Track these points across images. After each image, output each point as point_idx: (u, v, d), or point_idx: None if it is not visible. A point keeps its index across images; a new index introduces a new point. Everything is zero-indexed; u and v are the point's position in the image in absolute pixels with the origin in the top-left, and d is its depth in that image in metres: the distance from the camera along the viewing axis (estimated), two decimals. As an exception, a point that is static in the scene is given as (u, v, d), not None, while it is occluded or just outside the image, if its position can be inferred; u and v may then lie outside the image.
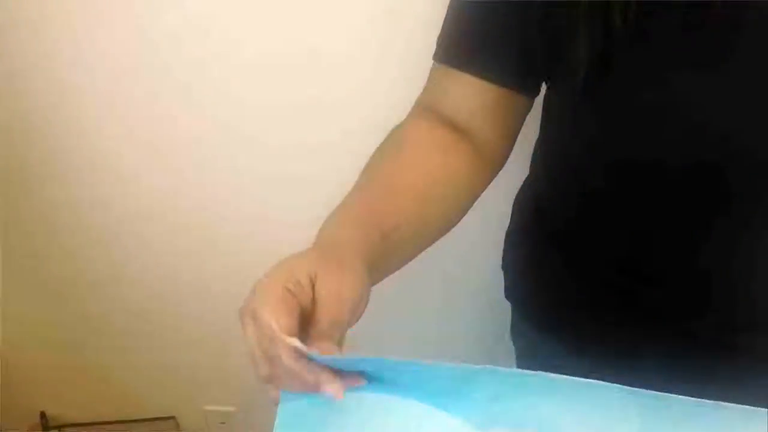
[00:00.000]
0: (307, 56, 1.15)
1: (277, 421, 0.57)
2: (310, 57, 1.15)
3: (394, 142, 0.74)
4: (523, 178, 0.93)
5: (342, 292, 0.55)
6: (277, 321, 0.52)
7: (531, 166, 0.90)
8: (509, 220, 0.95)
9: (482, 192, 0.78)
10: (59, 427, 1.67)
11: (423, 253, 0.73)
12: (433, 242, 0.74)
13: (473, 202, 0.77)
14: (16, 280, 1.52)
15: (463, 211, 0.75)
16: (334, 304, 0.55)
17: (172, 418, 1.68)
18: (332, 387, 0.53)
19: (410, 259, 0.71)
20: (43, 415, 1.68)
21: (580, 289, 0.83)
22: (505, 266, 0.96)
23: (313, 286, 0.55)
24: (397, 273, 0.70)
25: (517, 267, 0.94)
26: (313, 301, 0.54)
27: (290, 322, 0.52)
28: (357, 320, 0.57)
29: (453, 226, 0.75)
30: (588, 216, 0.79)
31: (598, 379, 0.68)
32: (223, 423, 1.65)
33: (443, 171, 0.72)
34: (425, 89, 0.78)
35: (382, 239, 0.64)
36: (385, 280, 0.67)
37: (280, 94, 1.19)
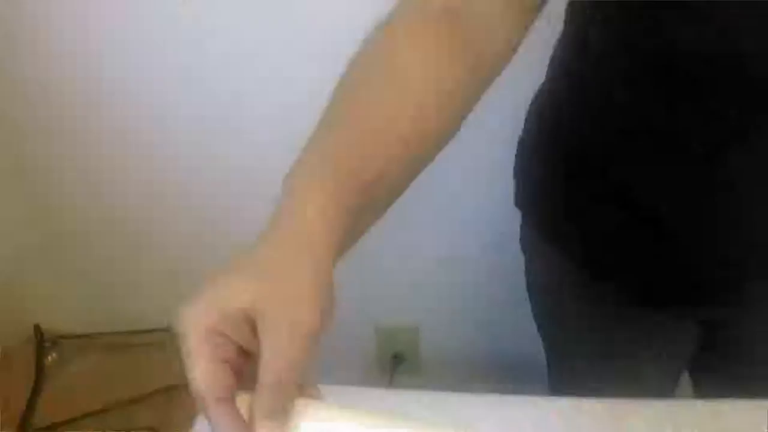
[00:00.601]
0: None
1: None
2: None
3: (378, 58, 0.62)
4: (539, 84, 0.92)
5: (294, 330, 0.45)
6: (211, 383, 0.44)
7: (548, 71, 0.88)
8: (523, 127, 0.94)
9: (483, 94, 0.66)
10: (53, 339, 1.65)
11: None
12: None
13: (471, 110, 0.66)
14: (7, 199, 1.52)
15: (459, 126, 0.65)
16: (283, 353, 0.44)
17: (167, 329, 1.67)
18: None
19: (393, 202, 0.61)
20: (37, 327, 1.66)
21: (590, 201, 0.83)
22: (516, 173, 0.95)
23: (254, 324, 0.45)
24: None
25: (529, 175, 0.93)
26: (257, 340, 0.45)
27: (222, 383, 0.45)
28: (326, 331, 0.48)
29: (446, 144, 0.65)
30: (606, 129, 0.78)
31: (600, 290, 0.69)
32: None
33: (437, 98, 0.61)
34: None
35: (361, 194, 0.53)
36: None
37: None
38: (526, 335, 1.09)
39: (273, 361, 0.44)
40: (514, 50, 0.66)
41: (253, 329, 0.45)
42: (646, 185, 0.76)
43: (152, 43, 1.32)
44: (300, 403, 0.47)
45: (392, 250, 1.47)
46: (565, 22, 0.80)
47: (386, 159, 0.56)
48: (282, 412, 0.44)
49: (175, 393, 1.48)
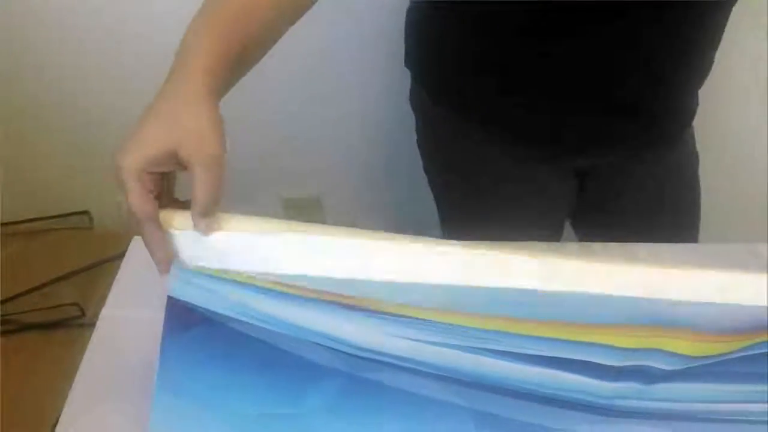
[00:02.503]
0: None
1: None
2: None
3: None
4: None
5: (211, 162, 0.58)
6: (142, 210, 0.58)
7: None
8: None
9: None
10: (-25, 228, 1.70)
11: (322, 15, 0.76)
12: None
13: None
14: None
15: None
16: (205, 183, 0.58)
17: (86, 212, 1.73)
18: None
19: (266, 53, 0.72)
20: (-43, 217, 1.71)
21: (477, 59, 0.91)
22: (407, 36, 1.02)
23: (176, 156, 0.58)
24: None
25: (419, 35, 1.00)
26: (179, 165, 0.59)
27: (150, 209, 0.59)
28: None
29: None
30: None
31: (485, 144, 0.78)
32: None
33: None
34: None
35: (238, 51, 0.65)
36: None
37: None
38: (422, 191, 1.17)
39: (200, 192, 0.58)
40: None
41: (173, 160, 0.58)
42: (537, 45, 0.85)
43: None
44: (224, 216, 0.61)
45: (286, 121, 1.57)
46: None
47: (260, 22, 0.68)
48: (210, 226, 0.60)
49: (94, 271, 1.57)
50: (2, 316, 1.49)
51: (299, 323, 0.61)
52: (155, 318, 0.63)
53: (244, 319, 0.61)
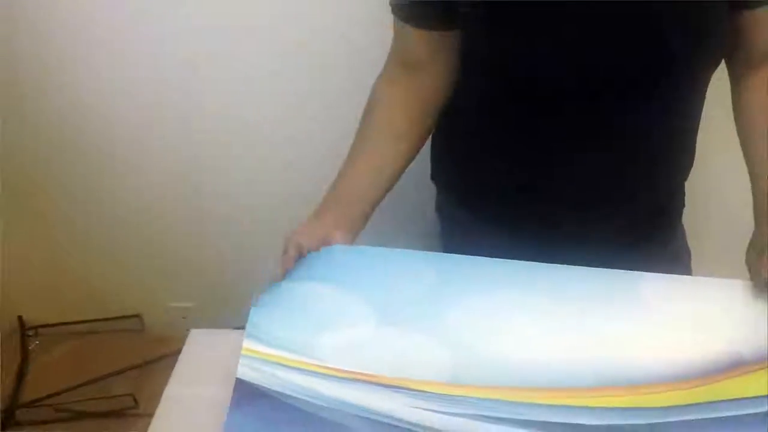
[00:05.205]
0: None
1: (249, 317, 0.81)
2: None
3: (366, 116, 1.00)
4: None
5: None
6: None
7: None
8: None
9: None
10: (35, 327, 1.85)
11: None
12: None
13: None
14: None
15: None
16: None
17: (138, 316, 1.85)
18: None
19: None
20: (20, 318, 1.87)
21: (492, 170, 1.03)
22: (433, 158, 1.15)
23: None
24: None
25: (439, 150, 1.12)
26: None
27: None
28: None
29: None
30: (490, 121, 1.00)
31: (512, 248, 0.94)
32: (184, 318, 1.86)
33: (413, 140, 1.00)
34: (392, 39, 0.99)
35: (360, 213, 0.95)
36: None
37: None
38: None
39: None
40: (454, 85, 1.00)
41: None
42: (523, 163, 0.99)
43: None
44: None
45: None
46: None
47: (373, 193, 0.97)
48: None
49: (147, 369, 1.68)
50: (59, 405, 1.59)
51: (342, 399, 0.74)
52: (216, 396, 0.76)
53: (301, 397, 0.74)
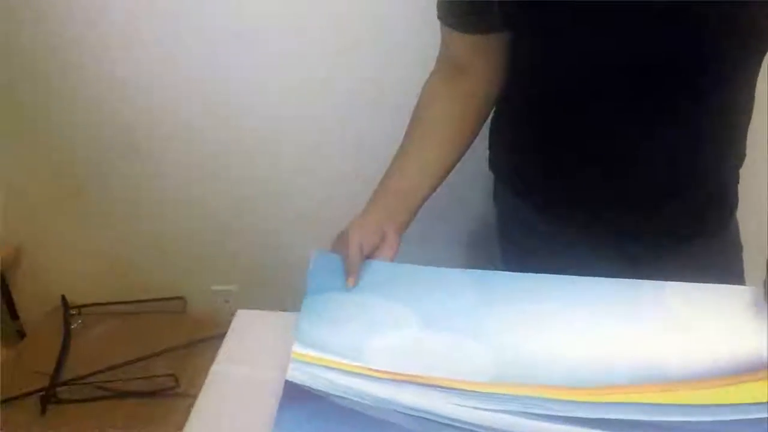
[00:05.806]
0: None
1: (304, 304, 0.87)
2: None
3: (415, 116, 1.04)
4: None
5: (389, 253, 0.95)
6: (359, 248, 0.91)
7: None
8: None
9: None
10: (78, 307, 1.85)
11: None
12: None
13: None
14: (33, 173, 1.73)
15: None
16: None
17: (181, 298, 1.85)
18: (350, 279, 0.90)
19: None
20: (63, 298, 1.87)
21: (550, 160, 1.04)
22: (491, 146, 1.15)
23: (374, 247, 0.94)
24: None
25: (500, 142, 1.13)
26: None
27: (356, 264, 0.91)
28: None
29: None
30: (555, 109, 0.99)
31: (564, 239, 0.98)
32: (227, 301, 1.86)
33: (461, 137, 1.03)
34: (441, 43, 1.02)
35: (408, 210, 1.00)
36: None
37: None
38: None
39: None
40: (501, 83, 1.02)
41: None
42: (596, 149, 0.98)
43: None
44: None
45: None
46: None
47: (422, 188, 1.01)
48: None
49: (188, 350, 1.67)
50: (101, 383, 1.60)
51: (389, 398, 0.77)
52: (261, 376, 0.80)
53: (349, 397, 0.77)
